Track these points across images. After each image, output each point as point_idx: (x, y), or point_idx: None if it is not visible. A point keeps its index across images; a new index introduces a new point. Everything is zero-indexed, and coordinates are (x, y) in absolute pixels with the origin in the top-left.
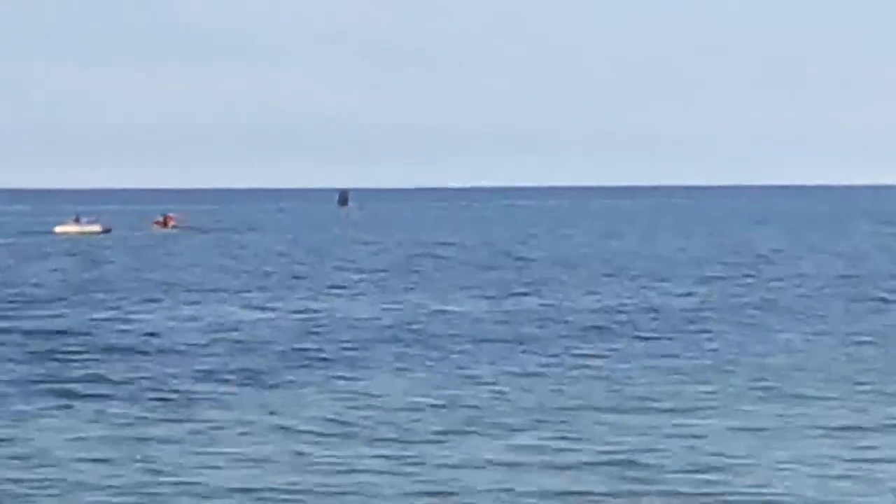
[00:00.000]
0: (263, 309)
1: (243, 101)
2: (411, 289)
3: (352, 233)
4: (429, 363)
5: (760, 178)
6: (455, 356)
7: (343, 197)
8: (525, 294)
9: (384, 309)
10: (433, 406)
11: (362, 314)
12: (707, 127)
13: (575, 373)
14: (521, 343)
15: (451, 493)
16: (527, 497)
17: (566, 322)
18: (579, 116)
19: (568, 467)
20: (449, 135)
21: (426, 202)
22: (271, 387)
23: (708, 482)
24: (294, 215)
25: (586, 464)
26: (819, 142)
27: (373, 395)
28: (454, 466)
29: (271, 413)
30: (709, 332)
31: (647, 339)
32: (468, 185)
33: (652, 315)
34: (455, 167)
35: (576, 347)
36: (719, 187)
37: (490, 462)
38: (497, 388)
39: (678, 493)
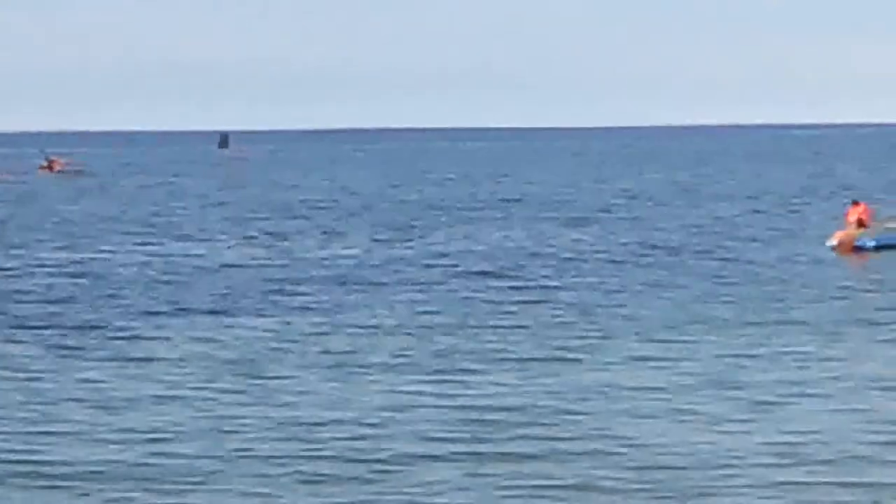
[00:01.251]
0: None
1: (115, 42)
2: (283, 234)
3: (231, 176)
4: (298, 307)
5: (646, 118)
6: (326, 300)
7: (223, 140)
8: (396, 239)
9: (251, 256)
10: (299, 349)
11: (230, 260)
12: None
13: (448, 319)
14: (388, 286)
15: (308, 424)
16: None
17: (445, 265)
18: (463, 56)
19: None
20: (338, 76)
21: (311, 144)
22: (134, 337)
23: (561, 431)
24: (177, 158)
25: (453, 408)
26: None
27: (235, 338)
28: (314, 405)
29: (140, 358)
30: (581, 277)
31: (519, 287)
32: (367, 125)
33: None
34: (349, 108)
35: (457, 290)
36: (601, 128)
37: (347, 402)
38: (360, 332)
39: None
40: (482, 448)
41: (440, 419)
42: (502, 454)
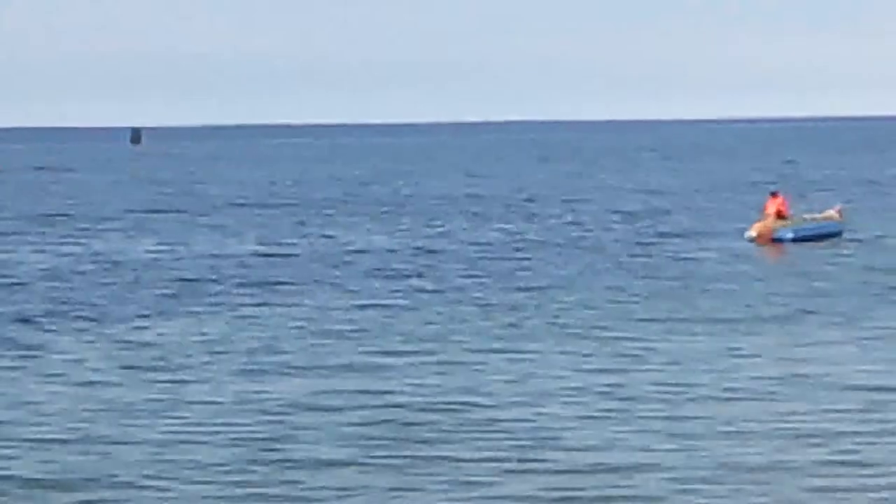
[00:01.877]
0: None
1: (29, 37)
2: (186, 231)
3: (141, 172)
4: (198, 306)
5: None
6: (225, 300)
7: (136, 135)
8: (297, 236)
9: (150, 254)
10: (199, 349)
11: (129, 257)
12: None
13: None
14: (289, 285)
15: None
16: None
17: (350, 263)
18: (389, 50)
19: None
20: (263, 70)
21: (229, 139)
22: (43, 331)
23: (468, 417)
24: (88, 154)
25: (363, 408)
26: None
27: (131, 338)
28: (220, 405)
29: (35, 357)
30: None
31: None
32: (291, 121)
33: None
34: (270, 103)
35: (362, 288)
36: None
37: (253, 403)
38: (261, 333)
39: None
40: (396, 450)
41: (350, 420)
42: (408, 457)
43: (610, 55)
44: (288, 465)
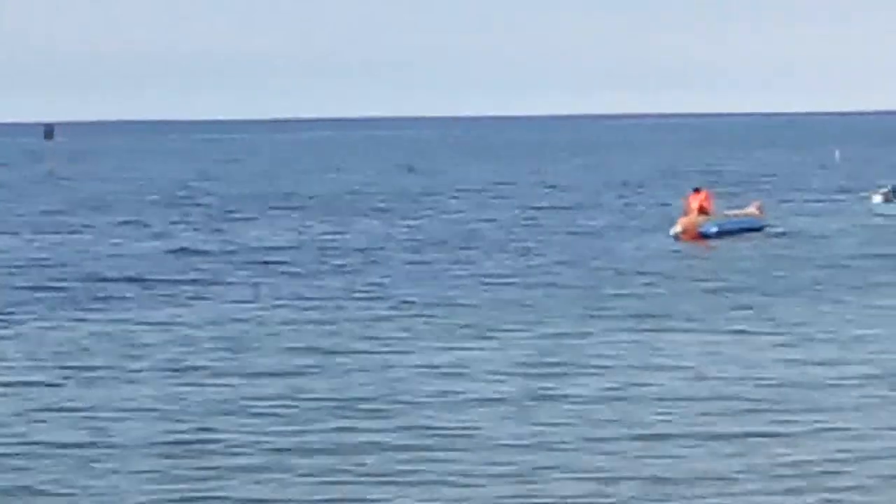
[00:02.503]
0: None
1: None
2: (87, 227)
3: (51, 168)
4: (94, 304)
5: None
6: (119, 298)
7: (48, 131)
8: (194, 234)
9: (49, 251)
10: (93, 347)
11: (28, 255)
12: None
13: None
14: (186, 283)
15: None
16: None
17: (246, 261)
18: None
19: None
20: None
21: (144, 135)
22: None
23: (375, 422)
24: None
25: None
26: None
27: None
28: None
29: None
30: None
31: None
32: (208, 117)
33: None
34: (182, 99)
35: (260, 285)
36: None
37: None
38: (150, 331)
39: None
40: (298, 441)
41: (257, 416)
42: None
43: (527, 50)
44: (207, 470)
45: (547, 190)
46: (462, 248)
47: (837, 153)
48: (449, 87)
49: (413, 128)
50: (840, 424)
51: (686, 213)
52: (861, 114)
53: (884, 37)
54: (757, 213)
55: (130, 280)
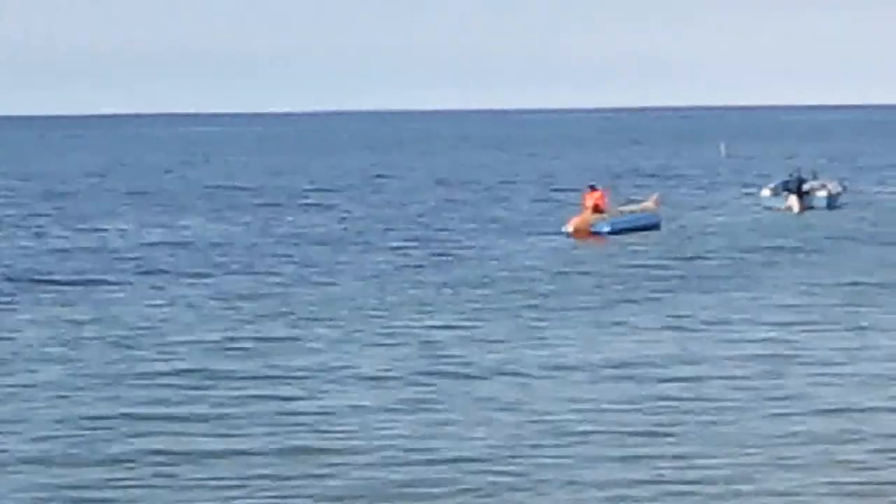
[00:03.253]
0: None
1: None
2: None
3: None
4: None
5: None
6: None
7: None
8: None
9: None
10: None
11: None
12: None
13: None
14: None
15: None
16: None
17: (131, 259)
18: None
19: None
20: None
21: (36, 129)
22: None
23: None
24: None
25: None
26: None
27: None
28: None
29: None
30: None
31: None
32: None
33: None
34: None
35: (141, 283)
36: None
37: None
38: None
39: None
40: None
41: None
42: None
43: (418, 43)
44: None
45: (438, 184)
46: (340, 243)
47: (723, 147)
48: (340, 81)
49: (302, 123)
50: (721, 418)
51: (582, 212)
52: (744, 109)
53: (770, 32)
54: (654, 206)
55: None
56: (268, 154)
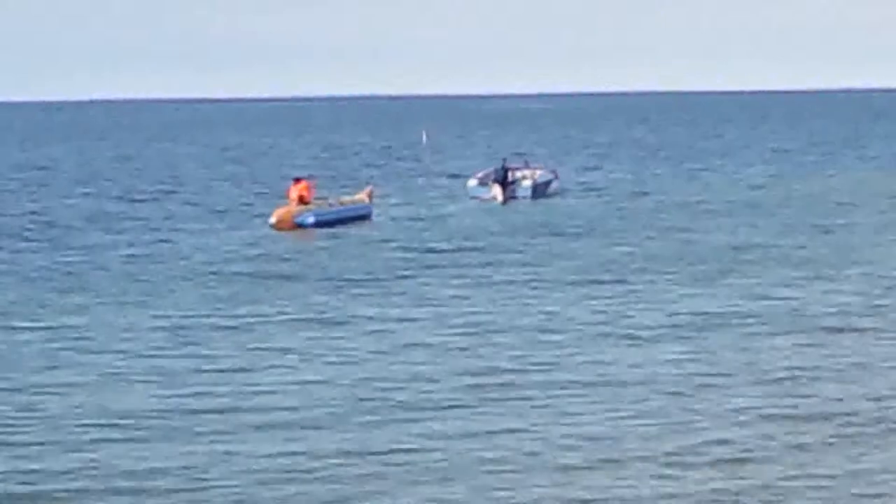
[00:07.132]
0: None
1: None
2: None
3: None
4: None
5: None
6: None
7: None
8: None
9: None
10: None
11: None
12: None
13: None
14: None
15: None
16: None
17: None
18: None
19: None
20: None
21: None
22: None
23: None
24: None
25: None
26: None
27: None
28: None
29: None
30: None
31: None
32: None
33: None
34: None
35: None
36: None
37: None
38: None
39: None
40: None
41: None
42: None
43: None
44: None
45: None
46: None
47: (424, 135)
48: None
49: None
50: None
51: (287, 203)
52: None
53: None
54: (366, 199)
55: None
56: None
